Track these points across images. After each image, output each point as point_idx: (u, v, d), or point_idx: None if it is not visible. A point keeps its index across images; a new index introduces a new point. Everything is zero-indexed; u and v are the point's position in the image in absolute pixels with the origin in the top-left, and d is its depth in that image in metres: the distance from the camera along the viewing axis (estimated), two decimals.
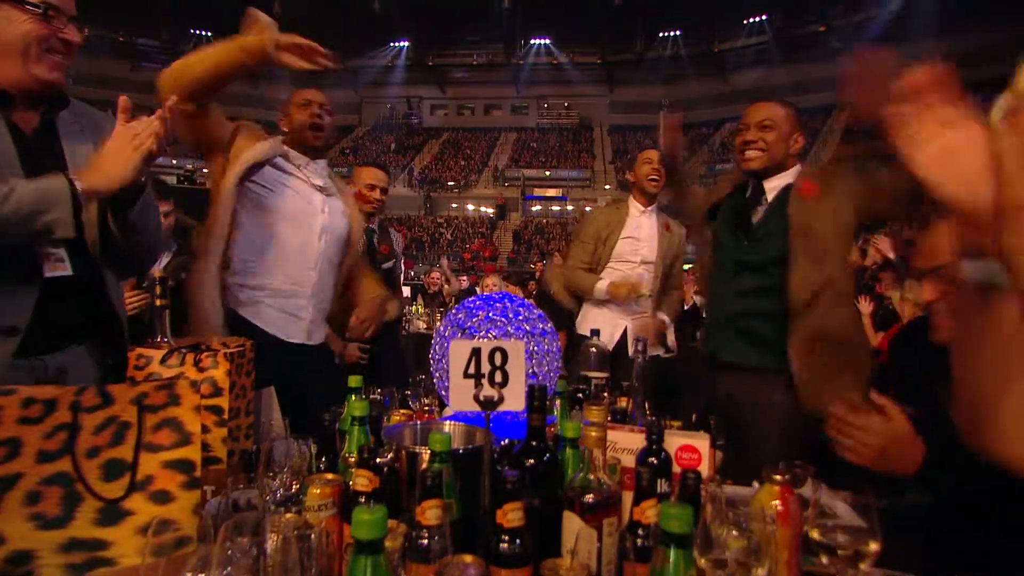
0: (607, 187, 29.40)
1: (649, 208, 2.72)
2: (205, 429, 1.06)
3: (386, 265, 2.92)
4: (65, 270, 1.20)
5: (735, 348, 1.71)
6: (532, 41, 34.32)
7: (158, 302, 1.20)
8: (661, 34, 32.27)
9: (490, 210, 28.95)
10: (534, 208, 29.16)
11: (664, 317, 2.57)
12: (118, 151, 1.17)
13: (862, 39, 25.03)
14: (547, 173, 31.02)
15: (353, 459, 1.00)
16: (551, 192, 29.82)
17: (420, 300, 6.40)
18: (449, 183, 31.46)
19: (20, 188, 1.09)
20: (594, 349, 1.80)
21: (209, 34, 31.68)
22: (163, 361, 1.11)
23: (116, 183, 1.17)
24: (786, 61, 29.77)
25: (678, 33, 31.86)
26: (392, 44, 34.43)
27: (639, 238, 2.63)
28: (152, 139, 1.19)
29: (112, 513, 0.86)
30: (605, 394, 1.50)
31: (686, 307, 4.69)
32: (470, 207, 30.01)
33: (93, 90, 27.67)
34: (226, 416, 1.10)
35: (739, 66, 31.62)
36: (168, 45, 31.85)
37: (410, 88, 36.16)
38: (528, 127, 36.11)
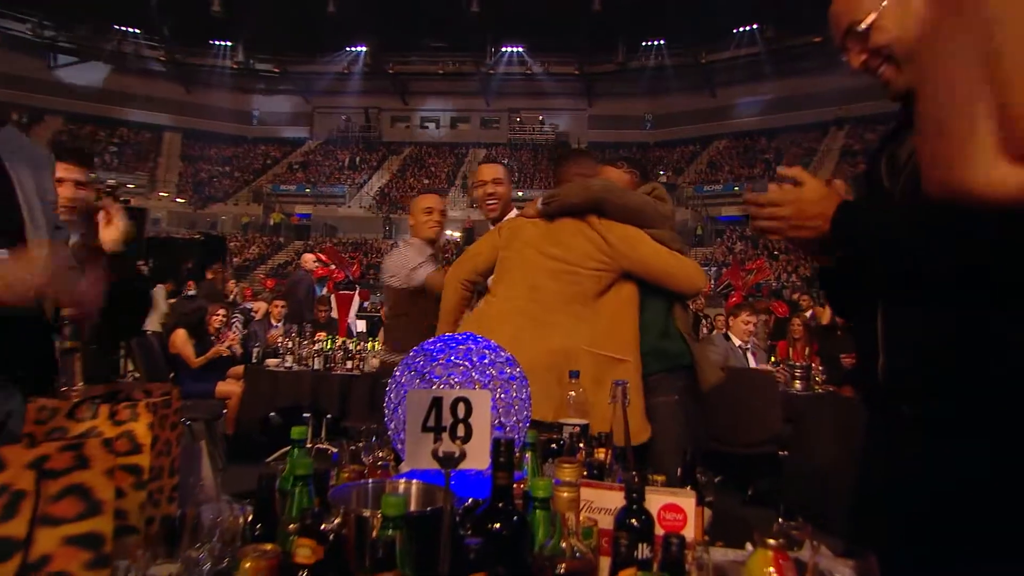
0: None
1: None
2: (120, 493, 1.02)
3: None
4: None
5: None
6: (504, 49, 35.04)
7: (68, 344, 1.18)
8: (644, 43, 33.23)
9: (457, 234, 29.02)
10: None
11: None
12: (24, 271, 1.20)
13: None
14: (520, 193, 31.34)
15: (294, 526, 0.98)
16: None
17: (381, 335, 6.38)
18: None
19: None
20: (572, 393, 1.81)
21: (136, 31, 31.62)
22: (71, 414, 1.07)
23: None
24: (779, 74, 30.94)
25: (662, 42, 32.87)
26: (348, 49, 34.73)
27: None
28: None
29: None
30: (581, 445, 1.50)
31: None
32: None
33: (5, 91, 27.23)
34: (146, 477, 1.07)
35: (728, 79, 32.75)
36: (88, 43, 31.53)
37: (368, 98, 36.42)
38: (499, 143, 36.60)
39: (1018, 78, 0.77)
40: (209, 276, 8.00)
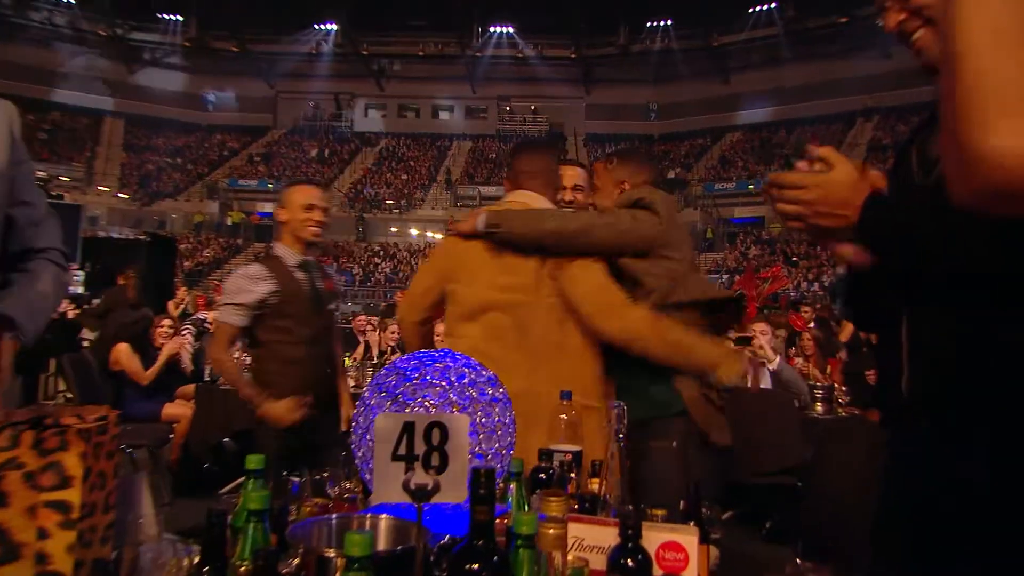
0: None
1: None
2: (44, 534, 1.01)
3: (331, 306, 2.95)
4: None
5: None
6: (492, 29, 35.24)
7: None
8: (648, 24, 33.53)
9: (439, 235, 29.05)
10: None
11: None
12: None
13: (889, 32, 26.51)
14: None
15: (246, 567, 0.98)
16: None
17: (359, 350, 6.36)
18: (387, 202, 31.56)
19: None
20: (563, 416, 1.81)
21: (71, 0, 31.17)
22: None
23: None
24: (799, 58, 31.27)
25: (669, 23, 33.18)
26: (317, 26, 34.79)
27: None
28: None
29: None
30: (573, 475, 1.51)
31: None
32: (414, 232, 30.10)
33: None
34: (76, 515, 1.06)
35: (742, 64, 33.08)
36: (14, 13, 31.14)
37: (339, 82, 36.49)
38: (486, 134, 36.77)
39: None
40: (120, 282, 7.84)
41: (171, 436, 4.91)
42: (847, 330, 7.55)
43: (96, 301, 8.60)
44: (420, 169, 34.31)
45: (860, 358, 5.82)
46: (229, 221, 29.71)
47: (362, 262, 27.04)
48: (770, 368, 4.63)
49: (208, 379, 5.21)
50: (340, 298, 3.01)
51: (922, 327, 1.10)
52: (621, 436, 1.37)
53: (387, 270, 26.28)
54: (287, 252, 2.75)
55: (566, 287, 2.09)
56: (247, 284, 2.66)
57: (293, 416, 2.58)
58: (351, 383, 5.09)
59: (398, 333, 7.13)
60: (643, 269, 2.13)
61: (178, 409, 5.07)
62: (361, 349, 6.58)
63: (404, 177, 33.55)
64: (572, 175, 2.74)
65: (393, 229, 31.25)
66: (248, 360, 2.97)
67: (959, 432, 1.01)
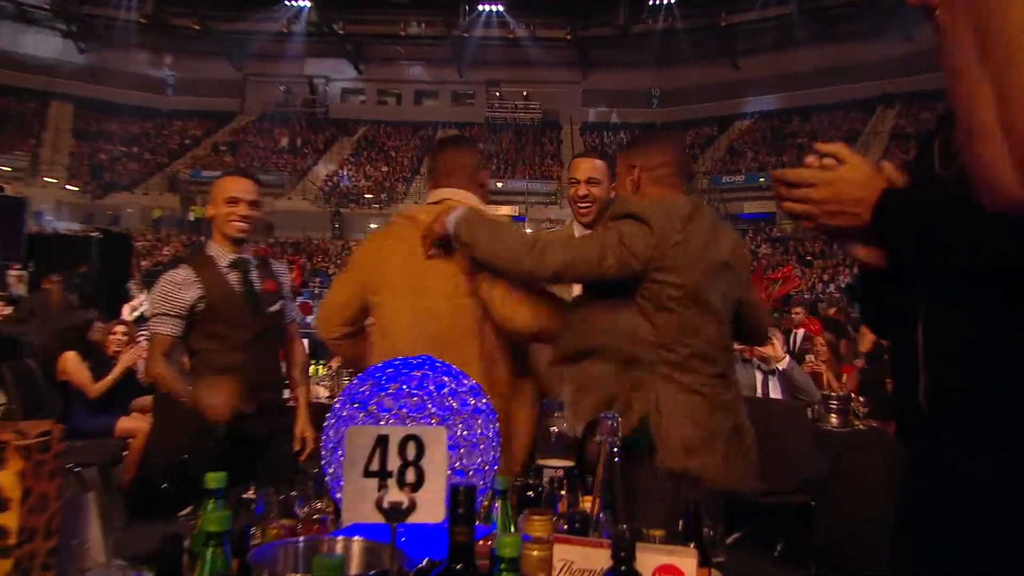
0: None
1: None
2: None
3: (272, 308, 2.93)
4: None
5: None
6: (480, 7, 35.27)
7: None
8: (651, 2, 33.63)
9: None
10: None
11: None
12: None
13: (912, 11, 26.74)
14: (499, 184, 31.52)
15: None
16: (505, 210, 30.20)
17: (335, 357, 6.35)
18: (366, 196, 31.52)
19: None
20: (554, 428, 1.81)
21: None
22: None
23: None
24: (814, 40, 31.44)
25: (673, 1, 33.27)
26: (288, 3, 34.73)
27: None
28: None
29: None
30: (563, 492, 1.51)
31: None
32: None
33: None
34: (12, 541, 1.05)
35: (753, 46, 33.24)
36: None
37: (313, 64, 36.47)
38: (474, 122, 36.80)
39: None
40: (45, 286, 7.73)
41: (125, 453, 4.87)
42: (868, 337, 7.60)
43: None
44: (402, 160, 34.31)
45: (880, 366, 5.86)
46: (191, 216, 29.52)
47: (339, 261, 26.96)
48: (779, 367, 4.65)
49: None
50: (286, 299, 2.98)
51: (938, 330, 1.11)
52: (615, 449, 1.37)
53: None
54: (218, 251, 2.76)
55: (482, 286, 2.16)
56: (173, 291, 2.67)
57: (231, 404, 2.53)
58: (325, 393, 5.08)
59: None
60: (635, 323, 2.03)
61: (134, 423, 5.04)
62: (338, 358, 6.56)
63: (384, 169, 33.54)
64: (587, 168, 2.84)
65: (372, 225, 31.13)
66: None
67: (971, 434, 1.03)
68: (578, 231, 2.84)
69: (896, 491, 1.27)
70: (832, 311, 9.96)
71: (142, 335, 6.39)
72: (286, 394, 3.22)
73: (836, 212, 1.14)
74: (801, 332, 7.26)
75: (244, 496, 1.55)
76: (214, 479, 1.26)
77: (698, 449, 1.98)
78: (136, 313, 8.41)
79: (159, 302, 2.69)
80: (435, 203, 2.31)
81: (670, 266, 1.97)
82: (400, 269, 2.24)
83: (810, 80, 31.49)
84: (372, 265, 2.32)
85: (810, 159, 1.18)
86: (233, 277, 2.74)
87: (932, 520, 1.09)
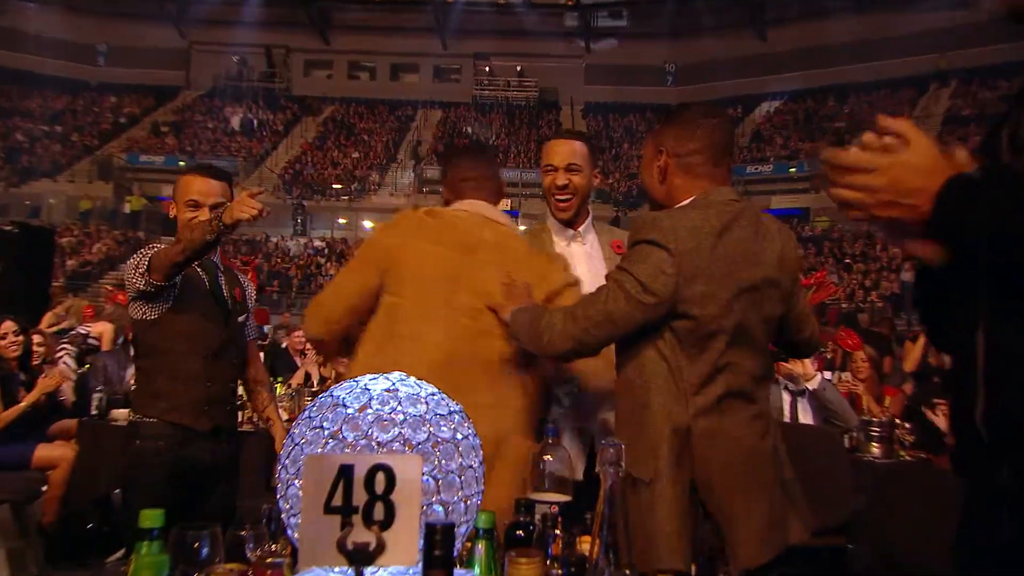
0: None
1: (582, 229, 2.83)
2: None
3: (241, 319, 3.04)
4: None
5: None
6: None
7: None
8: None
9: None
10: None
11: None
12: None
13: None
14: None
15: None
16: None
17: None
18: (334, 186, 31.48)
19: None
20: (548, 457, 1.81)
21: None
22: None
23: None
24: (855, 8, 31.56)
25: None
26: None
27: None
28: None
29: None
30: (557, 531, 1.51)
31: None
32: (367, 225, 29.99)
33: None
34: None
35: (783, 15, 33.39)
36: None
37: (272, 32, 36.42)
38: (460, 101, 36.89)
39: None
40: None
41: (44, 488, 4.84)
42: (913, 354, 7.63)
43: None
44: (376, 145, 34.31)
45: (929, 388, 5.88)
46: (127, 208, 29.43)
47: (301, 262, 26.92)
48: (809, 387, 4.66)
49: (95, 413, 5.15)
50: (250, 313, 3.11)
51: (1000, 343, 1.11)
52: (617, 481, 1.37)
53: (333, 272, 26.20)
54: None
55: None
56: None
57: (253, 211, 2.47)
58: (284, 416, 5.08)
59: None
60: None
61: (55, 451, 5.01)
62: (301, 375, 6.56)
63: (356, 155, 33.50)
64: (566, 152, 2.76)
65: (341, 221, 31.18)
66: (132, 376, 3.01)
67: None
68: (555, 229, 2.84)
69: (953, 538, 1.26)
70: (875, 325, 9.99)
71: (63, 349, 6.35)
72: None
73: (893, 203, 1.14)
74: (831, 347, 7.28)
75: (185, 536, 1.54)
76: (150, 517, 1.26)
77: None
78: (59, 326, 8.34)
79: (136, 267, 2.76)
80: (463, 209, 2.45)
81: (691, 296, 1.96)
82: (439, 269, 2.31)
83: (849, 54, 31.58)
84: (395, 256, 2.37)
85: (868, 137, 1.17)
86: (202, 275, 2.89)
87: (996, 566, 1.09)
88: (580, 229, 2.82)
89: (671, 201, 2.14)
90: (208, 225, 2.53)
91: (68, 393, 5.62)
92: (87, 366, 6.22)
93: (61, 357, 6.11)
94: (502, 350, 2.26)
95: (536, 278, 2.33)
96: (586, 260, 2.77)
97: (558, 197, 2.74)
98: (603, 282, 2.13)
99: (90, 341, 7.12)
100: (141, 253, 2.76)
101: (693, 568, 1.33)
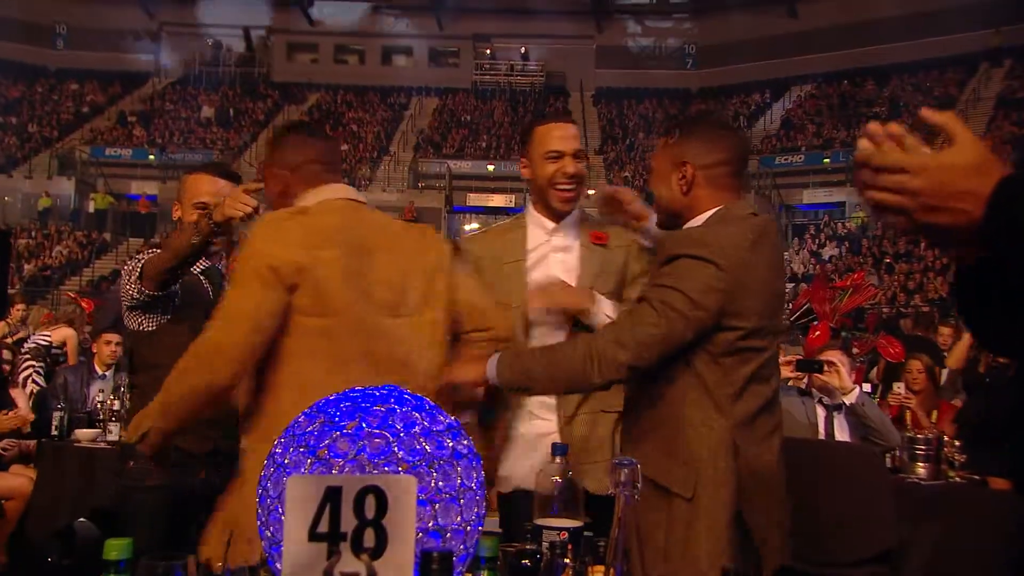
0: (590, 192, 30.14)
1: (565, 222, 2.84)
2: None
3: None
4: None
5: None
6: None
7: None
8: None
9: None
10: (469, 226, 29.46)
11: None
12: None
13: None
14: (490, 167, 31.62)
15: None
16: (496, 200, 30.31)
17: None
18: None
19: None
20: (556, 479, 1.81)
21: None
22: None
23: None
24: None
25: None
26: None
27: (550, 275, 2.74)
28: None
29: None
30: (567, 560, 1.50)
31: None
32: None
33: None
34: None
35: None
36: None
37: (250, 12, 36.51)
38: (459, 87, 36.94)
39: None
40: None
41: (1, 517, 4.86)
42: (956, 352, 7.61)
43: None
44: (366, 135, 34.38)
45: (979, 401, 5.85)
46: (91, 207, 29.53)
47: None
48: (846, 401, 4.65)
49: (56, 434, 5.16)
50: None
51: None
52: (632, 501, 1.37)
53: None
54: None
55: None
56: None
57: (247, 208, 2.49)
58: None
59: None
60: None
61: (10, 481, 5.02)
62: None
63: (344, 147, 33.54)
64: (572, 136, 2.83)
65: None
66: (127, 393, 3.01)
67: None
68: (536, 223, 2.86)
69: (1010, 566, 1.26)
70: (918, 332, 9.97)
71: (30, 367, 6.35)
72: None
73: (936, 207, 1.13)
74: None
75: (156, 568, 1.54)
76: (116, 547, 1.26)
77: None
78: (15, 336, 8.35)
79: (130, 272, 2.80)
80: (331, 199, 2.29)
81: (735, 310, 2.13)
82: (339, 257, 2.18)
83: (890, 31, 31.55)
84: (302, 276, 2.17)
85: (895, 128, 1.17)
86: (206, 283, 2.96)
87: None
88: (567, 221, 2.84)
89: (692, 213, 2.32)
90: (195, 226, 2.52)
91: (26, 409, 5.62)
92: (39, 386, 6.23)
93: (28, 376, 6.11)
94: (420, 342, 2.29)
95: (434, 261, 2.36)
96: (562, 253, 2.80)
97: (564, 187, 2.75)
98: (573, 279, 2.54)
99: (54, 352, 7.13)
100: (136, 259, 2.80)
101: None
